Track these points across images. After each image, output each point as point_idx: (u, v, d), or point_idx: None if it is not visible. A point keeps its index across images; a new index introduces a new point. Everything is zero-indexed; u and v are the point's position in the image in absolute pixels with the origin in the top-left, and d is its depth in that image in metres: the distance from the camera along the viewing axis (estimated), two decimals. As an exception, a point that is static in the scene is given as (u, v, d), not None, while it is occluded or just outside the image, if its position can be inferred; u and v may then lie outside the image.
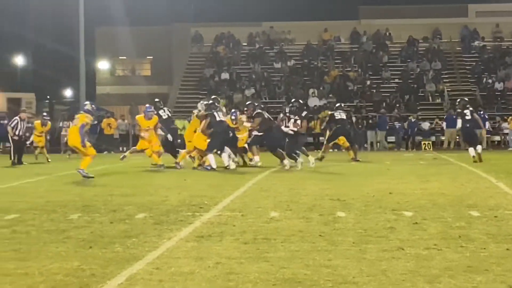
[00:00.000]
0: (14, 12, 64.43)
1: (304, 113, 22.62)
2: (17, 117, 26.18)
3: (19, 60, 69.09)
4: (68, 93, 77.62)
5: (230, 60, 52.35)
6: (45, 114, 27.93)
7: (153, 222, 10.37)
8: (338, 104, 27.51)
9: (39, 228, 9.89)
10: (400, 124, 39.94)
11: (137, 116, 23.04)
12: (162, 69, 55.36)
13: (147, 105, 23.03)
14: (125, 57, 57.18)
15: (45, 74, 65.49)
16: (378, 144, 39.54)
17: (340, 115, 25.40)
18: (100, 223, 10.24)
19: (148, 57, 57.35)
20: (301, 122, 21.82)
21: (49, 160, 28.02)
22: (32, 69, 69.30)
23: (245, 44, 54.29)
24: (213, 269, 7.20)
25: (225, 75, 50.41)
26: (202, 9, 64.89)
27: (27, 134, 27.02)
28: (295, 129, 21.54)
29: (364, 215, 10.84)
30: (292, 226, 9.82)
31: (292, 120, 21.74)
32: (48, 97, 63.52)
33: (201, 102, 23.33)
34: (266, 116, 22.39)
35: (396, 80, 49.06)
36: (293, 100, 23.63)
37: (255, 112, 22.35)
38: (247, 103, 22.46)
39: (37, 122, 29.19)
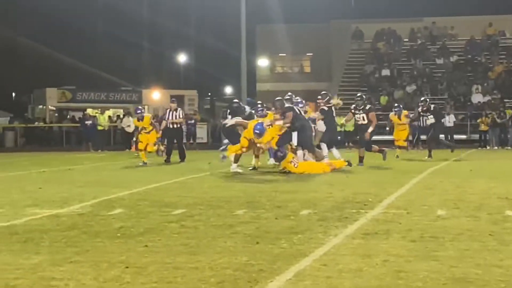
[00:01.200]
0: (177, 11, 66.11)
1: (368, 107, 21.97)
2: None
3: (182, 58, 70.88)
4: (228, 90, 78.96)
5: (391, 56, 51.82)
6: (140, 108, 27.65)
7: (317, 218, 10.35)
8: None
9: (207, 223, 10.06)
10: None
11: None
12: (321, 66, 55.46)
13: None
14: (284, 54, 57.63)
15: (207, 71, 66.88)
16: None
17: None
18: (266, 219, 10.31)
19: (307, 54, 57.60)
20: (366, 117, 21.32)
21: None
22: (194, 67, 70.93)
23: (406, 40, 53.63)
24: (381, 267, 7.11)
25: (385, 72, 49.96)
26: (362, 5, 64.50)
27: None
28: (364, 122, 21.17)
29: (535, 215, 10.47)
30: (460, 225, 9.58)
31: (362, 115, 21.31)
32: (209, 94, 64.87)
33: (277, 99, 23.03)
34: (297, 111, 21.72)
35: None
36: (358, 94, 23.01)
37: (285, 106, 21.56)
38: (275, 99, 21.26)
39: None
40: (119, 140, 42.47)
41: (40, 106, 53.55)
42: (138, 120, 23.56)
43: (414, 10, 57.86)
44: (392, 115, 27.55)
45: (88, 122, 38.94)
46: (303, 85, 53.31)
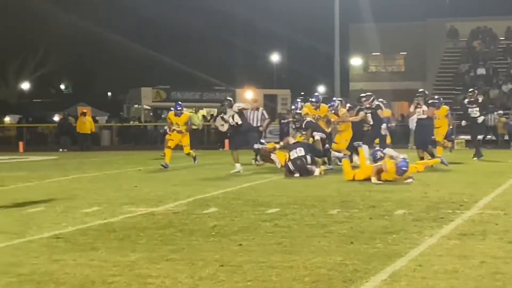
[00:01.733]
0: (271, 10, 66.30)
1: (430, 101, 21.31)
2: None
3: (275, 58, 71.07)
4: (321, 89, 78.80)
5: (486, 55, 50.88)
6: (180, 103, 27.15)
7: (412, 218, 10.25)
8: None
9: (300, 222, 10.06)
10: None
11: None
12: (415, 65, 54.82)
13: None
14: (378, 53, 57.18)
15: (300, 70, 66.89)
16: None
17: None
18: (359, 219, 10.26)
19: (401, 53, 57.01)
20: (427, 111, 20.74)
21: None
22: (287, 66, 71.03)
23: (503, 38, 52.56)
24: (478, 268, 6.99)
25: (481, 70, 49.10)
26: (458, 4, 63.48)
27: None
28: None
29: None
30: (560, 227, 9.35)
31: (421, 109, 20.73)
32: (302, 93, 64.83)
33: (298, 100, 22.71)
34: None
35: None
36: (420, 90, 22.23)
37: (430, 101, 21.14)
38: (365, 94, 21.14)
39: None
40: (212, 139, 42.81)
41: (135, 106, 54.45)
42: (175, 116, 22.13)
43: (510, 8, 56.58)
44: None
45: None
46: (397, 84, 52.81)
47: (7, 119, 51.03)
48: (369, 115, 20.50)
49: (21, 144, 36.83)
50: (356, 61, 57.91)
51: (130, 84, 57.52)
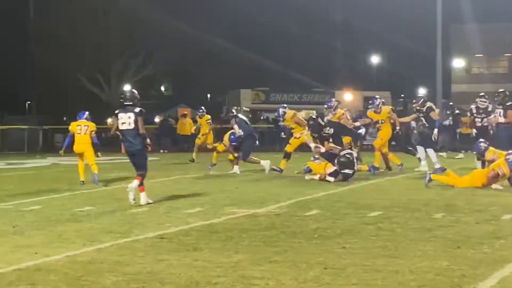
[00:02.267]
0: (370, 12, 65.85)
1: (509, 103, 20.37)
2: None
3: (375, 59, 70.53)
4: (422, 91, 77.80)
5: None
6: (202, 108, 26.47)
7: (520, 224, 10.00)
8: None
9: (404, 226, 9.91)
10: None
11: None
12: (520, 67, 53.62)
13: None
14: (481, 55, 56.11)
15: (400, 72, 66.20)
16: None
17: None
18: (465, 223, 10.05)
19: (505, 55, 55.81)
20: (505, 113, 19.82)
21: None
22: (388, 68, 70.39)
23: None
24: None
25: None
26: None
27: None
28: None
29: None
30: None
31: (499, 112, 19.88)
32: (402, 95, 64.13)
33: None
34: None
35: None
36: (500, 90, 21.18)
37: (426, 106, 20.15)
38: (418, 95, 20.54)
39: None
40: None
41: (235, 107, 54.79)
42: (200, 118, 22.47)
43: None
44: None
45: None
46: (501, 86, 51.61)
47: (109, 120, 52.02)
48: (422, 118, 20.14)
49: (122, 145, 37.48)
50: (458, 63, 56.96)
51: (229, 86, 57.93)
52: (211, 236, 9.16)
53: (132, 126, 12.89)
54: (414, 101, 20.87)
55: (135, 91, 13.48)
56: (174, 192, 13.81)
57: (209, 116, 27.10)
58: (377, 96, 21.10)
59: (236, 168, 20.11)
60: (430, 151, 19.73)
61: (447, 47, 53.91)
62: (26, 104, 61.48)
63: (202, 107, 27.68)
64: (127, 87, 63.02)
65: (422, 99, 20.38)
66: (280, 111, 20.64)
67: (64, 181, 17.94)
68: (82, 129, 17.85)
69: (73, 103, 56.00)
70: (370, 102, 21.02)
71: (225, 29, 60.19)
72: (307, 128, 19.85)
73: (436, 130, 19.81)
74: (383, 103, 20.99)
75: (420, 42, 59.00)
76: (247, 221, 10.49)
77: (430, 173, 15.73)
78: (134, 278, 6.89)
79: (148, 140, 13.08)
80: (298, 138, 19.98)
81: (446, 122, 29.89)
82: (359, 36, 68.06)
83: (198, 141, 26.60)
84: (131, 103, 13.13)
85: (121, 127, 13.07)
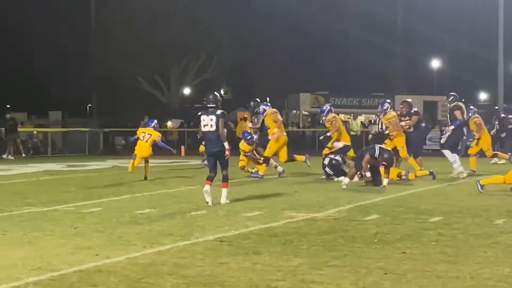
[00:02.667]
0: (430, 16, 65.26)
1: None
2: None
3: (435, 63, 69.87)
4: (483, 96, 76.85)
5: None
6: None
7: None
8: None
9: (465, 231, 9.81)
10: None
11: None
12: None
13: None
14: (544, 57, 55.18)
15: (461, 76, 65.46)
16: None
17: None
18: (528, 229, 9.92)
19: None
20: None
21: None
22: (448, 72, 69.66)
23: None
24: None
25: None
26: None
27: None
28: None
29: None
30: None
31: None
32: (463, 100, 63.37)
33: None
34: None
35: None
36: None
37: (413, 110, 20.11)
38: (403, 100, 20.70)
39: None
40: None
41: (294, 111, 54.76)
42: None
43: None
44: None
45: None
46: None
47: (169, 123, 52.44)
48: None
49: (182, 148, 37.67)
50: (520, 66, 56.09)
51: (289, 89, 57.88)
52: (270, 240, 9.17)
53: (214, 128, 13.29)
54: (401, 106, 20.65)
55: (217, 94, 13.82)
56: (234, 195, 13.84)
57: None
58: (387, 100, 20.90)
59: (279, 169, 20.19)
60: (446, 152, 19.56)
61: (509, 50, 53.18)
62: (87, 107, 62.23)
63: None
64: (186, 90, 63.60)
65: (453, 96, 20.17)
66: (261, 108, 20.51)
67: (124, 184, 18.12)
68: (145, 136, 18.90)
69: (132, 105, 56.64)
70: (379, 106, 20.83)
71: (284, 32, 60.25)
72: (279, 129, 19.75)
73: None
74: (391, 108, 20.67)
75: (481, 45, 58.27)
76: (306, 225, 10.49)
77: (478, 182, 15.47)
78: (194, 281, 6.93)
79: (226, 145, 13.31)
80: (274, 139, 19.76)
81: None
82: (420, 39, 67.46)
83: None
84: (214, 105, 13.50)
85: (203, 129, 13.47)
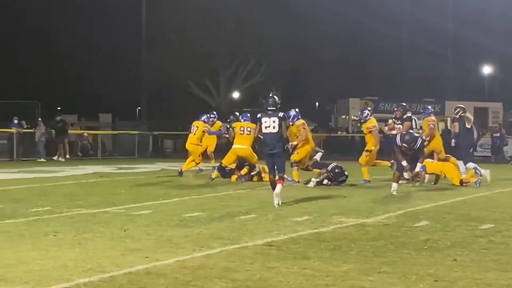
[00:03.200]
0: (482, 22, 64.62)
1: None
2: None
3: (487, 70, 69.16)
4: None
5: None
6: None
7: None
8: None
9: (518, 239, 9.69)
10: None
11: None
12: None
13: None
14: None
15: (512, 83, 64.72)
16: None
17: None
18: None
19: None
20: None
21: None
22: (500, 79, 68.88)
23: None
24: None
25: None
26: None
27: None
28: None
29: None
30: None
31: None
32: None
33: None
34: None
35: None
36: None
37: (405, 116, 19.81)
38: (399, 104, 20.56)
39: None
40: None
41: (343, 116, 54.59)
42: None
43: None
44: None
45: (391, 133, 39.04)
46: None
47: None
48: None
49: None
50: None
51: (338, 94, 57.75)
52: (319, 245, 9.13)
53: (276, 130, 13.79)
54: (395, 109, 20.67)
55: (276, 97, 14.32)
56: (282, 199, 13.83)
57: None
58: (368, 108, 20.83)
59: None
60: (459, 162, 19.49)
61: None
62: (137, 110, 62.74)
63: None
64: (236, 94, 63.77)
65: (459, 109, 20.15)
66: (291, 112, 19.78)
67: (173, 187, 18.21)
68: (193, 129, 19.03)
69: (182, 109, 56.91)
70: (359, 113, 20.76)
71: (335, 37, 60.12)
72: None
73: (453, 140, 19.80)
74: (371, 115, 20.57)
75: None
76: (355, 230, 10.43)
77: None
78: (242, 285, 6.93)
79: (289, 144, 14.50)
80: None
81: None
82: (471, 46, 66.82)
83: None
84: (274, 108, 14.01)
85: (264, 130, 13.95)
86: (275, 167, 13.82)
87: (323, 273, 7.39)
